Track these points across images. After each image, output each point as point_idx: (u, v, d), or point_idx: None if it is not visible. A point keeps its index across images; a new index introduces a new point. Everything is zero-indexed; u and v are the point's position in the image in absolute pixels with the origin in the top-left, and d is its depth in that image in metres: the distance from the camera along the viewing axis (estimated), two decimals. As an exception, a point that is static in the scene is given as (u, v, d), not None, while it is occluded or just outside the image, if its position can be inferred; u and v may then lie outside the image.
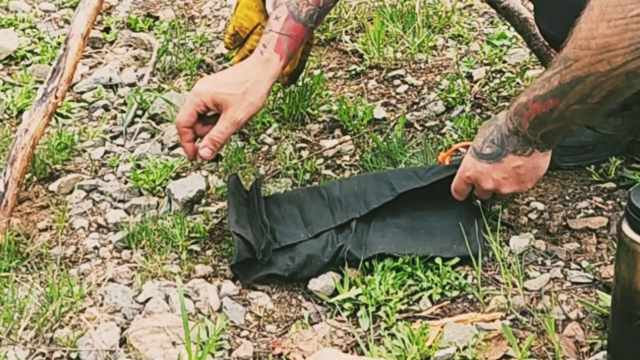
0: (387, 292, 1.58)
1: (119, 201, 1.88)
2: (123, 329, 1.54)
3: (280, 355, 1.48)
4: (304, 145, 2.05)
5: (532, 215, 1.76)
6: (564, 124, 1.53)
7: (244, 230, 1.64)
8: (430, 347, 1.45)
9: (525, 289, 1.57)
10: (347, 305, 1.56)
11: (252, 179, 1.90)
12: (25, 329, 1.54)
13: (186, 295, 1.59)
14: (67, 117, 2.18)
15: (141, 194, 1.90)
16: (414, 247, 1.64)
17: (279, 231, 1.71)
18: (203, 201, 1.86)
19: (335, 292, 1.60)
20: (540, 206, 1.78)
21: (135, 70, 2.38)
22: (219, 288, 1.63)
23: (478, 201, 1.70)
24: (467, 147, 1.81)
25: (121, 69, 2.39)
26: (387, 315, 1.54)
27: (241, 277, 1.64)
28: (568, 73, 1.46)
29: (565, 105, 1.49)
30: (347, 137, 2.05)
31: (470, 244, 1.64)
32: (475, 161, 1.64)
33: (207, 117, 1.73)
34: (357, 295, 1.57)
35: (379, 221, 1.71)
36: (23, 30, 2.59)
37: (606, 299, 1.50)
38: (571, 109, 1.50)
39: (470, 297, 1.58)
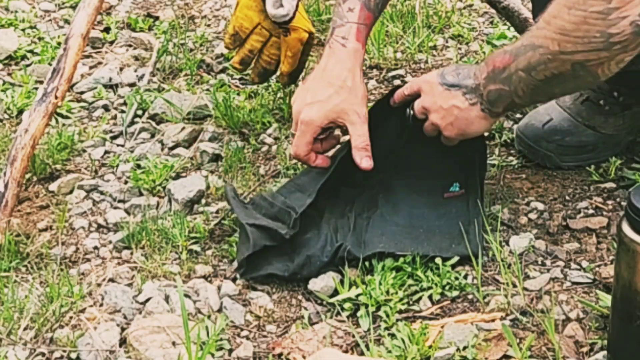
0: (387, 292, 1.58)
1: (119, 201, 1.88)
2: (123, 329, 1.54)
3: (280, 355, 1.48)
4: (304, 145, 2.04)
5: (532, 215, 1.76)
6: (508, 88, 1.53)
7: (256, 220, 1.64)
8: (430, 347, 1.45)
9: (525, 289, 1.57)
10: (347, 305, 1.56)
11: (252, 179, 1.91)
12: (25, 329, 1.54)
13: (186, 295, 1.59)
14: (67, 117, 2.19)
15: (141, 194, 1.90)
16: (413, 246, 1.64)
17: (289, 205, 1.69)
18: (203, 201, 1.86)
19: (335, 292, 1.60)
20: (540, 206, 1.78)
21: (135, 70, 2.38)
22: (219, 288, 1.63)
23: (410, 111, 1.68)
24: None
25: (121, 69, 2.39)
26: (387, 315, 1.54)
27: (246, 271, 1.63)
28: (529, 37, 1.49)
29: (515, 67, 1.51)
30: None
31: (469, 243, 1.64)
32: (436, 78, 1.63)
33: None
34: (357, 295, 1.57)
35: (377, 219, 1.71)
36: (23, 30, 2.59)
37: (606, 299, 1.50)
38: (518, 74, 1.50)
39: (470, 297, 1.58)
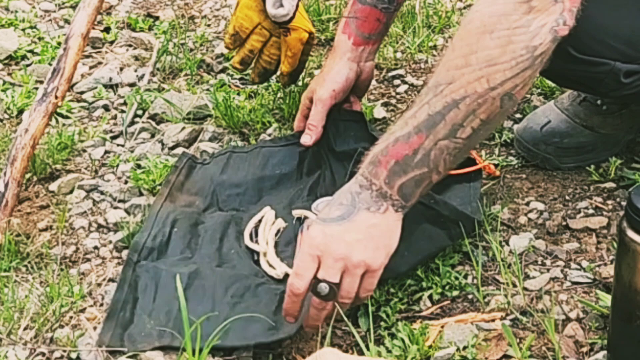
0: (387, 292, 1.58)
1: (119, 201, 1.88)
2: (123, 329, 1.54)
3: (280, 355, 1.48)
4: (304, 145, 2.05)
5: (532, 215, 1.76)
6: (427, 169, 1.36)
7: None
8: (430, 347, 1.45)
9: (525, 288, 1.57)
10: (347, 305, 1.56)
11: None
12: (25, 328, 1.54)
13: (186, 295, 1.59)
14: (67, 117, 2.19)
15: (141, 194, 1.90)
16: (411, 259, 1.58)
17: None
18: (203, 201, 1.86)
19: (335, 292, 1.59)
20: (540, 206, 1.78)
21: (136, 70, 2.38)
22: (219, 288, 1.63)
23: (323, 285, 1.39)
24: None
25: (121, 69, 2.39)
26: (387, 315, 1.54)
27: None
28: (439, 100, 1.33)
29: (433, 141, 1.34)
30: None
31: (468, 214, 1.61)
32: (323, 226, 1.38)
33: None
34: (357, 295, 1.57)
35: None
36: (23, 30, 2.59)
37: (606, 299, 1.50)
38: (438, 147, 1.34)
39: (470, 297, 1.58)
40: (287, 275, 1.60)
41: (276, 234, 1.71)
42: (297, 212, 1.75)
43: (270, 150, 1.93)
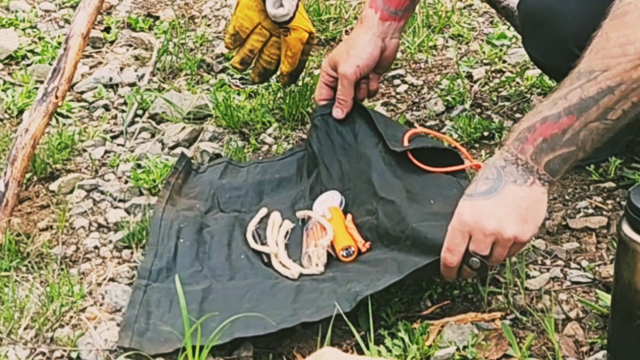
0: (387, 292, 1.58)
1: (120, 201, 1.88)
2: (123, 329, 1.54)
3: (280, 354, 1.48)
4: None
5: (532, 215, 1.76)
6: (575, 148, 1.41)
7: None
8: (430, 346, 1.45)
9: (525, 288, 1.57)
10: (347, 304, 1.56)
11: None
12: (25, 328, 1.54)
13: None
14: (67, 117, 2.19)
15: (141, 194, 1.90)
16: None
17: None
18: (203, 201, 1.86)
19: (336, 292, 1.60)
20: (540, 206, 1.78)
21: (136, 70, 2.38)
22: (219, 287, 1.63)
23: (475, 259, 1.44)
24: (428, 134, 1.83)
25: (121, 69, 2.39)
26: (387, 315, 1.54)
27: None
28: (593, 85, 1.38)
29: (583, 123, 1.39)
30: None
31: None
32: (471, 202, 1.44)
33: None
34: (357, 295, 1.57)
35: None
36: (23, 30, 2.59)
37: (606, 299, 1.50)
38: (588, 128, 1.40)
39: (470, 296, 1.58)
40: (302, 275, 1.61)
41: (285, 236, 1.71)
42: (300, 214, 1.75)
43: (267, 164, 1.93)
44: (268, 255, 1.67)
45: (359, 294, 1.49)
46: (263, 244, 1.69)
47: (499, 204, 1.42)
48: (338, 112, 1.87)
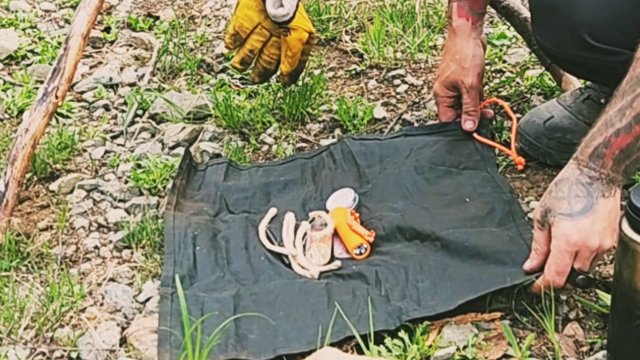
0: (387, 292, 1.58)
1: (119, 201, 1.88)
2: (123, 329, 1.54)
3: (280, 355, 1.48)
4: (304, 144, 2.05)
5: (532, 215, 1.76)
6: None
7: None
8: (430, 346, 1.45)
9: (525, 288, 1.57)
10: (347, 304, 1.56)
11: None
12: (25, 328, 1.54)
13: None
14: (67, 117, 2.19)
15: (141, 194, 1.90)
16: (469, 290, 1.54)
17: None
18: (203, 201, 1.86)
19: (336, 292, 1.60)
20: (540, 206, 1.78)
21: (136, 70, 2.38)
22: (219, 287, 1.63)
23: (583, 277, 1.47)
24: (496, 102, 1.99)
25: (121, 69, 2.39)
26: (387, 315, 1.54)
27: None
28: None
29: None
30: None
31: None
32: (573, 222, 1.46)
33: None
34: (357, 295, 1.57)
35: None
36: (24, 30, 2.59)
37: (606, 299, 1.50)
38: None
39: (470, 296, 1.58)
40: (322, 273, 1.61)
41: (303, 237, 1.71)
42: (312, 214, 1.75)
43: (270, 168, 1.93)
44: (287, 256, 1.67)
45: (402, 312, 1.49)
46: (280, 245, 1.69)
47: (598, 220, 1.46)
48: (470, 124, 1.93)
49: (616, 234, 1.43)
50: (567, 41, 1.62)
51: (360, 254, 1.64)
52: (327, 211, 1.74)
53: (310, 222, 1.72)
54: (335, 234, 1.69)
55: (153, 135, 2.11)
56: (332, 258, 1.67)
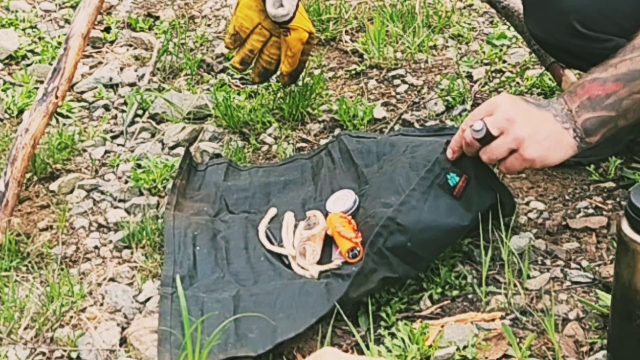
0: (388, 292, 1.58)
1: (120, 201, 1.88)
2: (123, 329, 1.54)
3: (280, 354, 1.48)
4: (304, 144, 2.05)
5: (532, 215, 1.76)
6: (615, 114, 1.48)
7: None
8: (430, 346, 1.45)
9: (525, 288, 1.57)
10: (347, 304, 1.56)
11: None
12: (25, 328, 1.54)
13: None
14: (67, 117, 2.19)
15: (141, 194, 1.90)
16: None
17: None
18: (203, 201, 1.86)
19: (336, 292, 1.60)
20: (540, 206, 1.78)
21: (136, 70, 2.38)
22: (219, 287, 1.63)
23: (483, 126, 1.50)
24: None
25: (121, 69, 2.39)
26: (387, 315, 1.54)
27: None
28: None
29: (628, 92, 1.46)
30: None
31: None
32: (516, 97, 1.53)
33: None
34: (357, 295, 1.57)
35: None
36: (24, 30, 2.59)
37: (606, 299, 1.50)
38: (632, 98, 1.46)
39: (470, 296, 1.59)
40: (321, 273, 1.61)
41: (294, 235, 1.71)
42: (309, 213, 1.75)
43: (270, 169, 1.93)
44: (287, 257, 1.67)
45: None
46: (280, 245, 1.69)
47: (538, 117, 1.48)
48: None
49: (543, 154, 1.47)
50: (557, 29, 1.63)
51: (354, 256, 1.63)
52: (326, 212, 1.74)
53: (305, 220, 1.72)
54: (333, 240, 1.69)
55: (153, 135, 2.11)
56: (322, 258, 1.66)
